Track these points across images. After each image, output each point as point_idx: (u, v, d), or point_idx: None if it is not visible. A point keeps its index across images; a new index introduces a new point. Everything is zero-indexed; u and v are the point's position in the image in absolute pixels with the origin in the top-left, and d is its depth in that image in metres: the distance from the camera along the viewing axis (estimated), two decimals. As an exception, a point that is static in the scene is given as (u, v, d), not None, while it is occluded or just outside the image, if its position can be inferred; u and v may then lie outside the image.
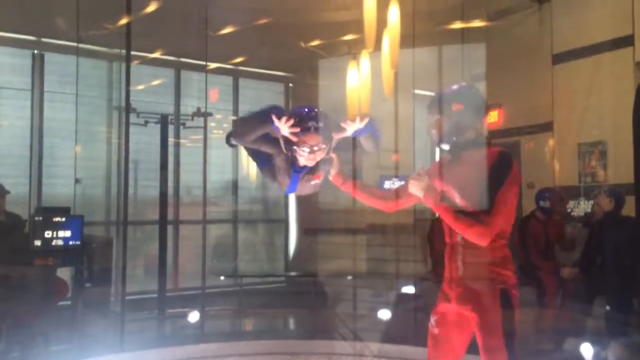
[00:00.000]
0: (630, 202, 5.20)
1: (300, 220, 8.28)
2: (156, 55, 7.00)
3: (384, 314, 5.86)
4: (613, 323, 4.76)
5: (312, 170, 2.73)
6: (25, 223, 5.35)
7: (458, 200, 2.45)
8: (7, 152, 6.55)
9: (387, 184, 7.56)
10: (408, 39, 4.99)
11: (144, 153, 6.87)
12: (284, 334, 6.11)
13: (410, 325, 5.13)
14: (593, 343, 4.41)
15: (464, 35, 6.80)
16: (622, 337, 4.54)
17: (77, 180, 5.88)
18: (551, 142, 6.71)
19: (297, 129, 2.49)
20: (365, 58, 4.39)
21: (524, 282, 4.36)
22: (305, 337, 5.40)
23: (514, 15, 6.96)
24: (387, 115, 6.63)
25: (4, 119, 6.61)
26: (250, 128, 2.64)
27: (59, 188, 6.56)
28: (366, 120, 2.52)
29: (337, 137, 2.59)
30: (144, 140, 6.76)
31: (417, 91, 6.05)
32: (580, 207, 6.26)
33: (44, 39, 6.73)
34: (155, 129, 6.43)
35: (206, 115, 6.69)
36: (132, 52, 5.31)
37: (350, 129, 2.54)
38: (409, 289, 6.34)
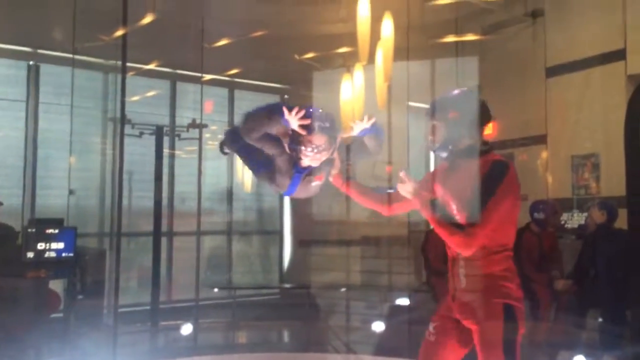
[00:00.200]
0: (622, 214, 5.22)
1: (295, 232, 8.27)
2: (152, 66, 7.02)
3: (378, 327, 5.84)
4: (606, 335, 4.76)
5: (313, 172, 2.75)
6: (18, 234, 5.32)
7: (453, 208, 2.44)
8: (1, 162, 6.53)
9: (382, 196, 7.56)
10: (402, 52, 5.03)
11: (138, 164, 6.86)
12: (277, 347, 6.08)
13: (404, 338, 5.12)
14: (586, 355, 4.41)
15: (458, 49, 6.86)
16: (615, 350, 4.54)
17: (71, 192, 5.87)
18: (545, 154, 6.75)
19: (308, 121, 2.51)
20: (359, 71, 4.41)
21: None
22: (299, 350, 5.38)
23: (507, 29, 7.02)
24: (381, 127, 6.65)
25: (-1, 129, 6.61)
26: (259, 123, 2.64)
27: (53, 199, 6.54)
28: (373, 120, 2.59)
29: (343, 136, 2.61)
30: (139, 152, 6.76)
31: (411, 103, 6.08)
32: (574, 219, 6.29)
33: (39, 51, 6.75)
34: (150, 140, 6.43)
35: (201, 126, 6.70)
36: (128, 64, 5.31)
37: (357, 128, 2.61)
38: (403, 301, 6.33)
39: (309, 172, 2.73)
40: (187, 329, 5.91)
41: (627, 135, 5.36)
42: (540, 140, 6.75)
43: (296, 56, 7.08)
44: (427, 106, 2.63)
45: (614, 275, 4.77)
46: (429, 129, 2.53)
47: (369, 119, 2.61)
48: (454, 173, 2.50)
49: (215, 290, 7.02)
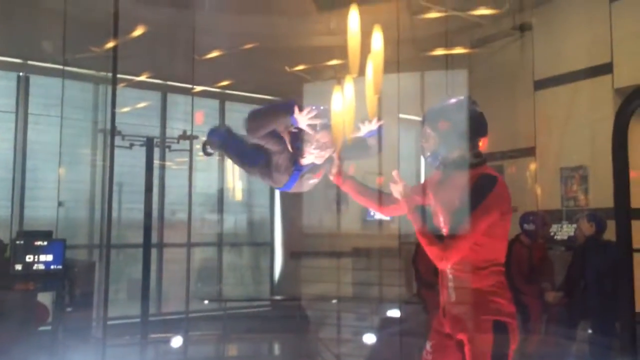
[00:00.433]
0: (611, 226, 5.25)
1: (286, 244, 8.25)
2: (142, 78, 7.02)
3: (369, 339, 5.83)
4: (596, 347, 4.78)
5: (313, 169, 2.76)
6: (6, 247, 5.27)
7: (441, 220, 2.43)
8: (-10, 174, 6.49)
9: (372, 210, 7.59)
10: (392, 65, 5.07)
11: (128, 176, 6.83)
12: (268, 359, 6.05)
13: (395, 350, 5.11)
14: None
15: (448, 62, 6.92)
16: (605, 361, 4.55)
17: (60, 203, 5.83)
18: (533, 166, 6.80)
19: (318, 121, 2.52)
20: (349, 83, 4.42)
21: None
22: (290, 362, 5.35)
23: (496, 42, 7.10)
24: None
25: (-13, 141, 6.57)
26: (267, 121, 2.66)
27: (42, 211, 6.49)
28: (381, 123, 2.66)
29: (350, 136, 2.63)
30: (129, 163, 6.73)
31: (401, 115, 6.11)
32: (564, 231, 6.32)
33: (29, 62, 6.73)
34: (141, 152, 6.41)
35: (192, 138, 6.69)
36: (119, 75, 5.32)
37: (364, 129, 2.66)
38: (394, 313, 6.33)
39: (308, 170, 2.75)
40: (177, 341, 5.86)
41: (615, 147, 5.40)
42: (529, 152, 6.81)
43: (287, 68, 7.11)
44: (417, 118, 2.64)
45: (603, 287, 4.79)
46: (422, 136, 2.52)
47: (378, 121, 2.66)
48: (443, 183, 2.49)
49: (206, 302, 6.99)
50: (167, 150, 6.97)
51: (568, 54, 6.50)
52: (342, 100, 2.58)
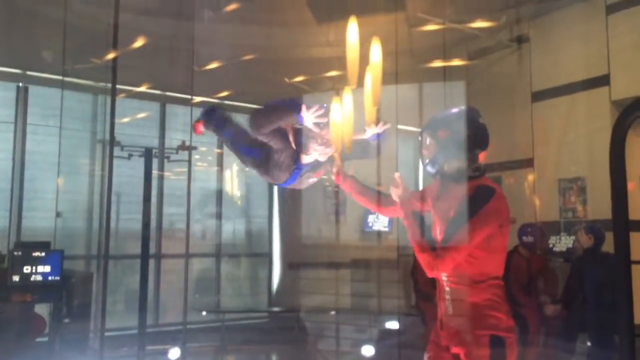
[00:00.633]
0: (610, 238, 5.25)
1: (284, 255, 8.24)
2: (142, 88, 7.04)
3: (367, 350, 5.80)
4: None
5: (313, 168, 2.77)
6: (4, 258, 5.25)
7: (437, 231, 2.43)
8: (-12, 184, 6.48)
9: (371, 218, 7.58)
10: (391, 76, 5.09)
11: (126, 186, 6.83)
12: (266, 371, 6.02)
13: (394, 362, 5.09)
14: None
15: (446, 73, 6.95)
16: (604, 374, 4.54)
17: (58, 214, 5.82)
18: (532, 177, 6.81)
19: (325, 120, 2.54)
20: (348, 94, 4.44)
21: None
22: (288, 374, 5.33)
23: (493, 54, 7.15)
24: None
25: (-15, 151, 6.57)
26: (273, 118, 2.66)
27: (40, 221, 6.48)
28: (387, 126, 2.70)
29: (356, 137, 2.65)
30: (127, 174, 6.73)
31: (399, 126, 6.13)
32: (562, 243, 6.31)
33: (29, 72, 6.74)
34: (139, 162, 6.41)
35: (191, 148, 6.69)
36: (118, 86, 5.34)
37: (370, 131, 2.69)
38: (393, 325, 6.30)
39: (309, 168, 2.76)
40: (175, 353, 5.83)
41: (613, 159, 5.42)
42: (527, 163, 6.82)
43: (286, 79, 7.14)
44: (416, 129, 2.66)
45: (602, 299, 4.77)
46: (422, 144, 2.52)
47: (384, 124, 2.70)
48: (441, 193, 2.49)
49: (204, 313, 6.96)
50: (165, 160, 6.98)
51: (565, 66, 6.54)
52: (340, 111, 2.59)
